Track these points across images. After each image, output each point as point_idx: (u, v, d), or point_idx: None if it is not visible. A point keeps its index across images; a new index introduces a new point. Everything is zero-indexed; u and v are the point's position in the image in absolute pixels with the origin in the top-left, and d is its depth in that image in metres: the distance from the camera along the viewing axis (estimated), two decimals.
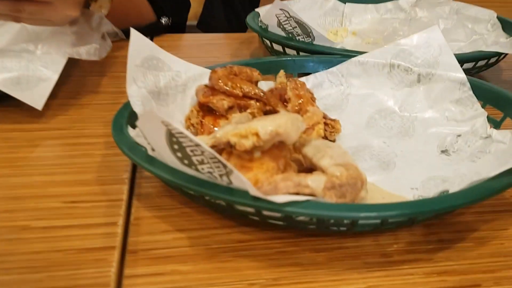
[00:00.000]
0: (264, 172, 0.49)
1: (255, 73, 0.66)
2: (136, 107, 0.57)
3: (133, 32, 0.61)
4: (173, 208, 0.55)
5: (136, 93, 0.58)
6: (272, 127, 0.48)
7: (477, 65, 0.81)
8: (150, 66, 0.63)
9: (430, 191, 0.57)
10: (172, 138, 0.45)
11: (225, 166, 0.43)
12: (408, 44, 0.73)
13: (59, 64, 0.70)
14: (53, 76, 0.69)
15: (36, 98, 0.67)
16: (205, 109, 0.62)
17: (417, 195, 0.57)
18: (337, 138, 0.67)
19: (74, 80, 0.82)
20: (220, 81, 0.60)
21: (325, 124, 0.65)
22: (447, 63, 0.70)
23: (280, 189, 0.46)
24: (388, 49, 0.73)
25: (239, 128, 0.48)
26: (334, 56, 0.76)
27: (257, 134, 0.48)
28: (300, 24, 0.79)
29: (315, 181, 0.46)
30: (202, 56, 0.95)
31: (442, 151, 0.65)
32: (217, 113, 0.62)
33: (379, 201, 0.55)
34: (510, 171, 0.49)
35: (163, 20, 1.02)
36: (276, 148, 0.50)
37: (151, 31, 1.02)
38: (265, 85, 0.73)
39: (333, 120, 0.65)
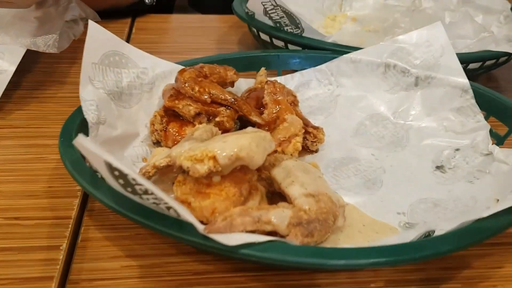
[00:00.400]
0: (223, 199, 0.43)
1: (230, 73, 0.59)
2: (89, 114, 0.50)
3: (92, 25, 0.54)
4: (127, 228, 0.49)
5: (91, 96, 0.52)
6: (232, 150, 0.41)
7: (485, 64, 0.73)
8: (111, 63, 0.56)
9: (418, 218, 0.50)
10: (113, 169, 0.38)
11: (166, 202, 0.37)
12: (407, 41, 0.65)
13: (17, 55, 0.63)
14: (9, 68, 0.63)
15: None
16: (171, 114, 0.55)
17: (404, 221, 0.50)
18: (320, 148, 0.60)
19: (41, 68, 0.75)
20: (186, 84, 0.53)
21: (307, 132, 0.58)
22: (449, 66, 0.62)
23: (236, 226, 0.39)
24: (384, 47, 0.66)
25: (194, 150, 0.42)
26: (324, 52, 0.69)
27: (214, 158, 0.41)
28: (288, 14, 0.71)
29: (278, 217, 0.40)
30: (186, 41, 0.88)
31: (437, 167, 0.58)
32: (184, 119, 0.55)
33: (359, 230, 0.49)
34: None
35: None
36: (240, 171, 0.44)
37: (134, 12, 0.95)
38: (245, 84, 0.66)
39: (316, 128, 0.58)
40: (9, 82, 0.66)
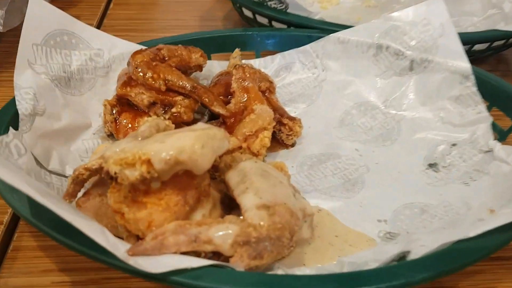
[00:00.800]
0: (162, 210, 0.36)
1: (195, 55, 0.51)
2: (23, 104, 0.44)
3: (33, 0, 0.47)
4: None
5: (28, 83, 0.45)
6: (171, 152, 0.35)
7: (493, 45, 0.64)
8: (58, 43, 0.49)
9: (402, 227, 0.43)
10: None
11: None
12: (403, 19, 0.57)
13: None
14: None
15: None
16: (124, 103, 0.49)
17: (384, 231, 0.43)
18: (298, 141, 0.53)
19: (1, 47, 0.68)
20: (138, 69, 0.46)
21: (282, 124, 0.51)
22: (448, 48, 0.54)
23: (167, 246, 0.33)
24: (377, 25, 0.58)
25: (126, 152, 0.35)
26: (309, 31, 0.61)
27: (148, 162, 0.35)
28: None
29: (221, 235, 0.33)
30: (167, 18, 0.80)
31: (430, 165, 0.50)
32: (138, 109, 0.48)
33: (330, 242, 0.42)
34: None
35: None
36: (185, 175, 0.37)
37: None
38: (219, 67, 0.58)
39: (293, 120, 0.51)
40: None
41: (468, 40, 0.60)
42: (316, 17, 0.64)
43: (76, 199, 0.42)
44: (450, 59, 0.54)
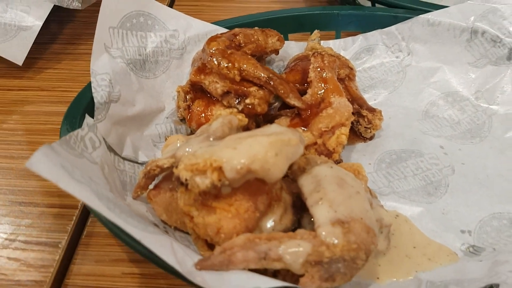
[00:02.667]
0: (232, 216, 0.35)
1: (272, 40, 0.49)
2: (98, 91, 0.43)
3: None
4: None
5: (104, 68, 0.45)
6: (243, 161, 0.33)
7: None
8: (134, 25, 0.48)
9: (488, 240, 0.40)
10: None
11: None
12: (503, 0, 0.51)
13: (44, 9, 0.57)
14: (35, 23, 0.57)
15: (16, 51, 0.56)
16: (198, 89, 0.47)
17: (468, 244, 0.40)
18: (377, 133, 0.50)
19: (83, 17, 0.69)
20: (213, 58, 0.44)
21: (360, 116, 0.48)
22: None
23: (235, 262, 0.32)
24: (472, 7, 0.52)
25: (197, 157, 0.34)
26: (395, 11, 0.56)
27: (220, 170, 0.33)
28: None
29: (291, 253, 0.32)
30: None
31: None
32: (211, 96, 0.47)
33: (407, 253, 0.40)
34: None
35: None
36: (257, 180, 0.36)
37: None
38: (296, 48, 0.55)
39: (373, 111, 0.48)
40: (47, 35, 0.60)
41: None
42: None
43: (147, 191, 0.42)
44: None
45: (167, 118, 0.50)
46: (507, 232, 0.41)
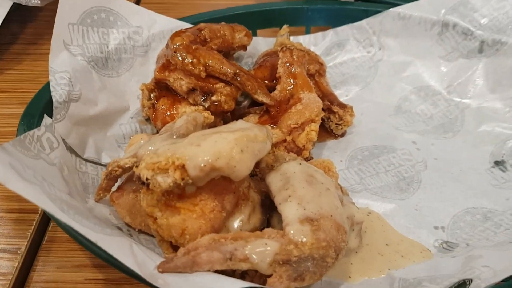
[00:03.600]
0: (197, 216, 0.34)
1: (239, 35, 0.47)
2: (57, 90, 0.41)
3: None
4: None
5: (64, 66, 0.43)
6: (207, 158, 0.32)
7: None
8: (95, 22, 0.46)
9: (461, 236, 0.39)
10: None
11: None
12: None
13: (3, 8, 0.54)
14: None
15: None
16: (163, 87, 0.46)
17: (441, 240, 0.39)
18: (349, 130, 0.49)
19: (43, 16, 0.66)
20: (177, 54, 0.42)
21: (331, 112, 0.47)
22: None
23: (200, 264, 0.30)
24: (443, 0, 0.51)
25: (159, 156, 0.32)
26: (366, 5, 0.55)
27: (183, 168, 0.32)
28: None
29: (258, 253, 0.30)
30: None
31: (496, 163, 0.45)
32: (177, 94, 0.45)
33: (379, 251, 0.38)
34: None
35: None
36: (223, 178, 0.34)
37: None
38: (264, 44, 0.54)
39: (343, 107, 0.47)
40: (8, 35, 0.58)
41: None
42: None
43: (110, 193, 0.40)
44: None
45: (131, 118, 0.48)
46: (480, 227, 0.40)
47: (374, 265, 0.37)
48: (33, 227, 0.41)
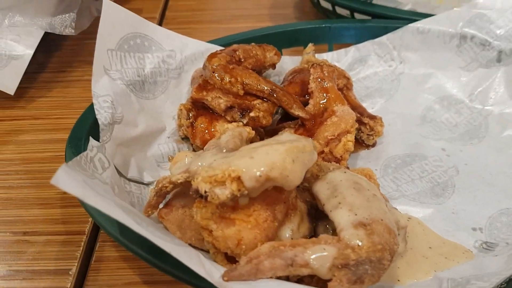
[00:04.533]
0: (252, 227, 0.35)
1: (270, 54, 0.49)
2: (102, 113, 0.43)
3: (106, 4, 0.46)
4: None
5: (105, 90, 0.44)
6: (261, 169, 0.33)
7: None
8: (132, 47, 0.48)
9: (500, 235, 0.41)
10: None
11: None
12: (489, 6, 0.53)
13: (35, 37, 0.56)
14: (26, 51, 0.56)
15: (7, 80, 0.55)
16: (200, 106, 0.47)
17: (481, 241, 0.41)
18: (378, 140, 0.50)
19: (69, 45, 0.68)
20: (215, 74, 0.44)
21: (362, 123, 0.48)
22: None
23: (263, 271, 0.31)
24: (460, 13, 0.54)
25: (215, 169, 0.34)
26: (385, 21, 0.57)
27: (239, 179, 0.33)
28: None
29: (318, 258, 0.32)
30: (227, 7, 0.78)
31: None
32: (214, 112, 0.47)
33: (423, 254, 0.40)
34: None
35: None
36: (274, 189, 0.36)
37: None
38: (291, 62, 0.56)
39: (373, 118, 0.49)
40: (34, 64, 0.60)
41: None
42: (406, 8, 0.60)
43: (157, 210, 0.41)
44: None
45: (168, 137, 0.50)
46: None
47: (420, 268, 0.39)
48: (81, 248, 0.42)
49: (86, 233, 0.44)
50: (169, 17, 0.76)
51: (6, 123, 0.56)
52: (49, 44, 0.67)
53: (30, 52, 0.56)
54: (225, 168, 0.33)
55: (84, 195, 0.28)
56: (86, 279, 0.40)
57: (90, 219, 0.44)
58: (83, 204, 0.37)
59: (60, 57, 0.66)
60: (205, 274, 0.29)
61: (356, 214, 0.34)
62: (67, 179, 0.28)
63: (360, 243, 0.32)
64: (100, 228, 0.44)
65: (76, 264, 0.41)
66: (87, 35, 0.70)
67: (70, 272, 0.40)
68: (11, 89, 0.55)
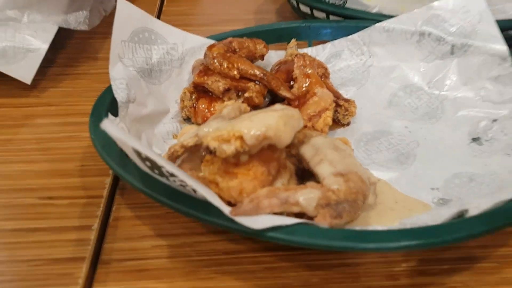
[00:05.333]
0: (251, 179, 0.43)
1: (259, 46, 0.58)
2: (119, 93, 0.50)
3: (120, 2, 0.54)
4: (157, 207, 0.49)
5: (121, 74, 0.52)
6: (259, 129, 0.41)
7: None
8: (141, 39, 0.56)
9: (453, 193, 0.49)
10: (139, 154, 0.39)
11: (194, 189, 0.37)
12: (443, 7, 0.62)
13: (50, 33, 0.64)
14: (42, 46, 0.63)
15: (24, 71, 0.62)
16: (200, 90, 0.55)
17: (438, 198, 0.49)
18: (352, 120, 0.59)
19: (74, 44, 0.76)
20: (215, 60, 0.52)
21: (338, 105, 0.57)
22: (487, 33, 0.60)
23: (262, 208, 0.39)
24: (419, 14, 0.63)
25: (221, 130, 0.42)
26: (356, 21, 0.66)
27: (241, 138, 0.41)
28: None
29: (306, 198, 0.40)
30: (218, 12, 0.86)
31: (474, 139, 0.56)
32: (213, 95, 0.55)
33: (390, 207, 0.48)
34: None
35: None
36: (268, 150, 0.44)
37: None
38: (275, 56, 0.65)
39: (348, 101, 0.57)
40: (44, 59, 0.67)
41: (506, 27, 0.65)
42: (374, 11, 0.70)
43: None
44: (489, 43, 0.59)
45: (172, 118, 0.57)
46: (467, 186, 0.50)
47: (388, 217, 0.47)
48: (100, 208, 0.49)
49: (104, 196, 0.51)
50: (164, 20, 0.83)
51: (22, 109, 0.62)
52: (56, 42, 0.74)
53: (46, 46, 0.63)
54: (229, 129, 0.41)
55: (128, 139, 0.36)
56: (106, 233, 0.47)
57: (107, 185, 0.51)
58: (101, 154, 0.44)
59: (67, 53, 0.73)
60: (224, 208, 0.37)
61: (335, 167, 0.42)
62: (111, 127, 0.36)
63: (339, 188, 0.40)
64: (116, 191, 0.51)
65: (97, 221, 0.48)
66: (90, 34, 0.78)
67: (92, 227, 0.47)
68: (28, 79, 0.62)
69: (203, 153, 0.43)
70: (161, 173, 0.40)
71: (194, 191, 0.39)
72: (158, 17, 0.84)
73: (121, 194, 0.51)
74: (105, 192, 0.51)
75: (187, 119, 0.57)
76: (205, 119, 0.53)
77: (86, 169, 0.53)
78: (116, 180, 0.52)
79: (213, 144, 0.41)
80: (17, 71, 0.62)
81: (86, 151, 0.56)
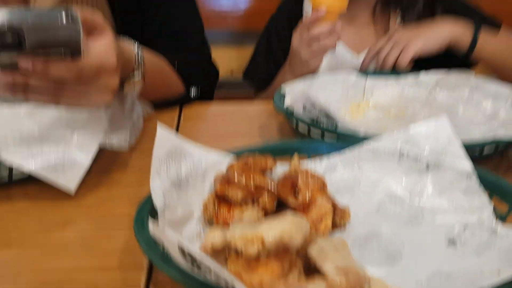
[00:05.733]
0: (269, 273, 0.53)
1: (269, 161, 0.71)
2: (158, 201, 0.62)
3: (160, 128, 0.67)
4: None
5: (158, 186, 0.64)
6: (276, 234, 0.52)
7: (499, 149, 0.83)
8: (173, 157, 0.68)
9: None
10: (183, 251, 0.49)
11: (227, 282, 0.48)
12: (417, 131, 0.76)
13: (92, 150, 0.76)
14: (85, 161, 0.75)
15: (69, 181, 0.73)
16: (221, 197, 0.67)
17: None
18: (347, 224, 0.70)
19: (106, 156, 0.88)
20: (235, 174, 0.65)
21: (335, 211, 0.68)
22: (454, 154, 0.73)
23: None
24: (399, 135, 0.77)
25: (246, 233, 0.53)
26: (349, 141, 0.80)
27: (262, 240, 0.52)
28: (327, 115, 0.85)
29: None
30: (227, 128, 1.00)
31: (450, 242, 0.67)
32: (232, 202, 0.66)
33: None
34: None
35: (192, 91, 1.08)
36: (282, 249, 0.54)
37: (181, 102, 1.08)
38: (280, 168, 0.77)
39: (343, 210, 0.69)
40: None
41: (473, 146, 0.79)
42: (361, 135, 0.85)
43: None
44: (457, 162, 0.73)
45: (196, 221, 0.68)
46: (446, 282, 0.60)
47: None
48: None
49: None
50: (181, 133, 0.97)
51: (66, 211, 0.73)
52: None
53: (88, 161, 0.75)
54: (253, 232, 0.52)
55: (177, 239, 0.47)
56: None
57: (142, 279, 0.61)
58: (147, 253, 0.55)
59: (100, 164, 0.85)
60: None
61: (337, 264, 0.53)
62: (157, 229, 0.47)
63: (341, 280, 0.51)
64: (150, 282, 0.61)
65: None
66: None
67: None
68: (71, 189, 0.74)
69: (227, 252, 0.54)
70: (199, 267, 0.50)
71: (227, 282, 0.49)
72: (176, 131, 0.98)
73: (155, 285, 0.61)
74: (141, 283, 0.60)
75: (209, 222, 0.68)
76: (225, 222, 0.65)
77: (124, 264, 0.63)
78: (150, 272, 0.62)
79: (239, 244, 0.52)
80: (63, 181, 0.73)
81: (124, 248, 0.66)
